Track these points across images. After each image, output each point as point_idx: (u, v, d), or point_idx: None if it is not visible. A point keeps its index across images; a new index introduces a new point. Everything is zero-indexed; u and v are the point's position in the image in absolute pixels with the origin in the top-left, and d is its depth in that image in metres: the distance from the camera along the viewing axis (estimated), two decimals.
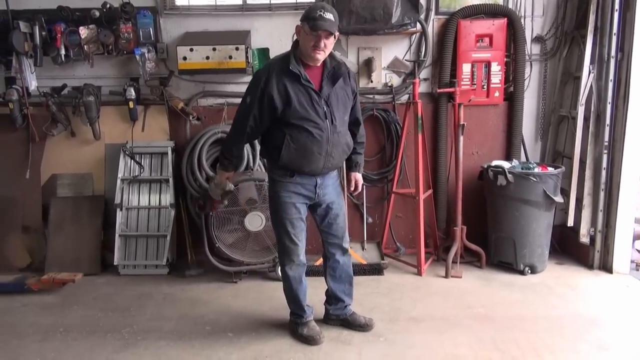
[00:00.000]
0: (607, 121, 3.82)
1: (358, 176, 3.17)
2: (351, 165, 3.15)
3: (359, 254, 4.22)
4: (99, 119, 4.20)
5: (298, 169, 2.79)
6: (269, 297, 3.64)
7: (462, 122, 3.92)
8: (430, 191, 4.27)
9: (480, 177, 4.17)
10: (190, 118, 4.26)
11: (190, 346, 2.96)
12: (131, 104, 4.13)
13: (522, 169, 3.93)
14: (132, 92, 4.11)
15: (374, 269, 4.05)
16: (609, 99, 3.80)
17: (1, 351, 2.94)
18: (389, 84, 4.34)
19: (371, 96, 4.37)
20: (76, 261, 4.10)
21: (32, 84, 4.09)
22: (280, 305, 3.48)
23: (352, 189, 3.18)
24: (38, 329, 3.20)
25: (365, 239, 4.40)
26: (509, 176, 3.82)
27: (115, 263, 4.09)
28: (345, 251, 3.12)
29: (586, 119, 3.99)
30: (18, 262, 4.18)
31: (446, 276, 3.95)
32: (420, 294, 3.67)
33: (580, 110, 3.96)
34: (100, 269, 4.15)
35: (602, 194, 3.92)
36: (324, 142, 2.73)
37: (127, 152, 4.23)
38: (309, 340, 2.96)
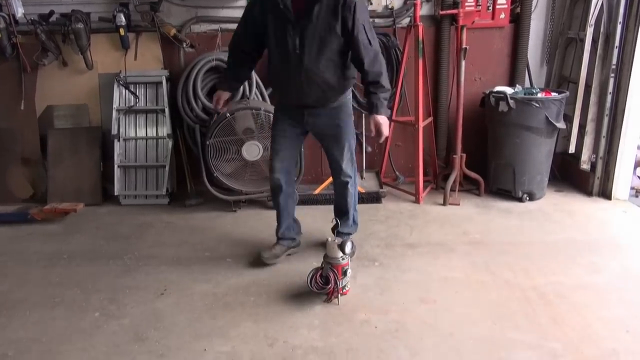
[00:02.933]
0: (616, 42, 3.65)
1: (377, 119, 2.66)
2: (367, 108, 2.80)
3: (358, 182, 4.22)
4: (90, 47, 4.08)
5: (279, 97, 2.85)
6: (267, 225, 3.66)
7: (464, 46, 3.77)
8: (430, 119, 4.19)
9: (482, 104, 4.08)
10: (184, 45, 4.12)
11: (190, 271, 3.03)
12: (122, 31, 3.99)
13: (524, 94, 3.82)
14: (122, 19, 3.96)
15: (372, 198, 4.06)
16: (620, 19, 3.61)
17: (8, 277, 3.03)
18: (390, 7, 4.15)
19: (370, 20, 4.18)
20: (77, 192, 4.14)
21: (19, 11, 3.94)
22: None
23: (372, 133, 2.73)
24: (42, 256, 3.29)
25: (364, 168, 4.38)
26: (511, 102, 3.72)
27: (115, 194, 4.13)
28: (340, 182, 3.09)
29: (594, 41, 3.82)
30: (20, 194, 4.23)
31: (444, 204, 3.96)
32: (417, 221, 3.70)
33: (589, 32, 3.79)
34: (101, 200, 4.19)
35: (605, 120, 3.82)
36: (293, 77, 2.66)
37: (121, 82, 4.14)
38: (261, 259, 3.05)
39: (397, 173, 4.41)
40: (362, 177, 4.36)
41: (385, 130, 2.69)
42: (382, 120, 2.67)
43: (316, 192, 4.13)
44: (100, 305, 2.69)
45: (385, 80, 2.65)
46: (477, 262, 3.04)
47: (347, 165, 2.98)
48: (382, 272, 2.96)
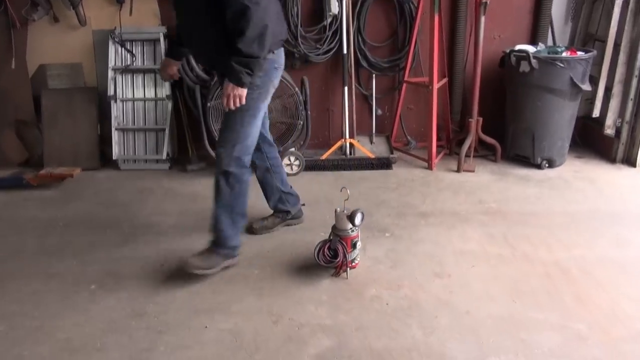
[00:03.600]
0: None
1: (227, 88, 2.20)
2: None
3: (367, 147, 4.02)
4: (82, 1, 3.82)
5: None
6: None
7: (484, 0, 3.48)
8: (445, 80, 3.94)
9: (501, 64, 3.81)
10: None
11: (190, 241, 2.88)
12: None
13: (548, 53, 3.55)
14: None
15: (383, 164, 3.87)
16: None
17: (1, 246, 2.90)
18: None
19: None
20: (74, 156, 3.97)
21: None
22: None
23: (224, 103, 2.27)
24: (38, 224, 3.14)
25: (373, 132, 4.16)
26: (533, 62, 3.45)
27: (114, 158, 3.96)
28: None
29: None
30: (16, 157, 4.07)
31: (458, 170, 3.77)
32: (430, 188, 3.52)
33: None
34: (99, 164, 4.02)
35: (634, 81, 3.56)
36: (188, 34, 2.42)
37: (116, 39, 3.89)
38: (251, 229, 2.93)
39: (408, 138, 4.20)
40: (371, 142, 4.15)
41: (232, 103, 2.23)
42: (231, 90, 2.19)
43: (323, 157, 3.93)
44: (96, 277, 2.55)
45: (245, 44, 2.09)
46: (494, 233, 2.87)
47: (227, 150, 2.41)
48: (394, 243, 2.80)
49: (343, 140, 3.92)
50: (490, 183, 3.58)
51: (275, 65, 2.43)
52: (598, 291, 2.32)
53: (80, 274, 2.59)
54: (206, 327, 2.18)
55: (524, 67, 3.51)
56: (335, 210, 2.50)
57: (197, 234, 2.96)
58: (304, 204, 3.07)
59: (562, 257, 2.60)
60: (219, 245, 2.54)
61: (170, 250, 2.79)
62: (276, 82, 2.50)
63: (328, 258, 2.45)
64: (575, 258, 2.59)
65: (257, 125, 2.49)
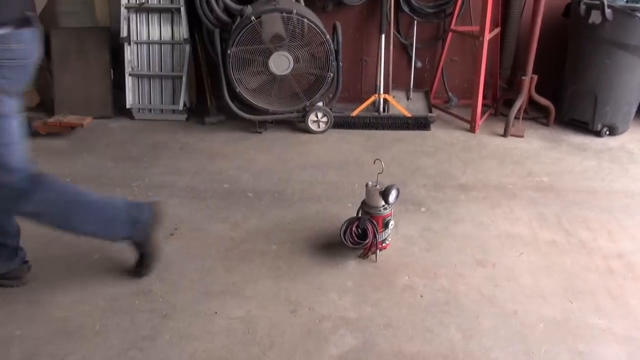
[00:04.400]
0: None
1: None
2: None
3: (403, 104, 3.62)
4: None
5: None
6: (296, 153, 3.20)
7: None
8: (497, 30, 3.45)
9: (566, 14, 3.30)
10: None
11: (205, 206, 2.63)
12: None
13: (626, 2, 3.02)
14: None
15: (419, 123, 3.48)
16: None
17: None
18: None
19: None
20: (86, 102, 3.70)
21: None
22: (308, 162, 3.07)
23: None
24: None
25: (411, 87, 3.74)
26: (607, 12, 2.94)
27: (127, 106, 3.67)
28: None
29: None
30: (26, 101, 3.81)
31: (505, 135, 3.36)
32: (472, 155, 3.14)
33: None
34: (112, 112, 3.75)
35: None
36: None
37: None
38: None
39: (450, 94, 3.77)
40: (408, 98, 3.74)
41: None
42: None
43: (354, 114, 3.56)
44: (100, 245, 2.32)
45: None
46: (545, 214, 2.51)
47: None
48: (430, 220, 2.48)
49: (377, 95, 3.53)
50: (541, 151, 3.18)
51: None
52: None
53: (82, 241, 2.36)
54: (216, 313, 1.94)
55: (595, 17, 3.00)
56: (367, 185, 2.18)
57: (211, 198, 2.70)
58: (27, 261, 2.13)
59: (626, 249, 2.24)
60: None
61: (182, 216, 2.54)
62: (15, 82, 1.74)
63: (356, 239, 2.15)
64: None
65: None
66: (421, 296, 2.00)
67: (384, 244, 2.24)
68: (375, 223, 2.15)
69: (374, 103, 3.58)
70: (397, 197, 2.18)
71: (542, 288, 2.03)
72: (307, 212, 2.58)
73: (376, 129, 3.49)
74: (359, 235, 2.16)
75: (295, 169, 3.00)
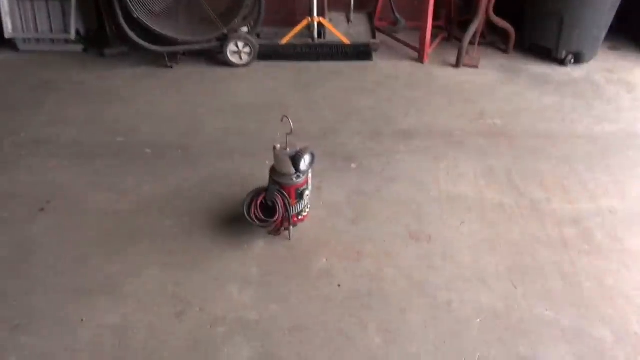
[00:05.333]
0: None
1: None
2: None
3: (342, 29, 3.07)
4: None
5: None
6: (211, 93, 2.69)
7: None
8: None
9: None
10: None
11: (91, 169, 2.15)
12: None
13: None
14: None
15: (360, 52, 2.97)
16: None
17: None
18: None
19: None
20: None
21: None
22: (224, 105, 2.58)
23: None
24: None
25: (352, 7, 3.17)
26: None
27: (7, 36, 3.01)
28: None
29: None
30: None
31: (457, 65, 2.90)
32: (418, 92, 2.70)
33: None
34: None
35: None
36: None
37: None
38: None
39: (396, 15, 3.22)
40: (348, 21, 3.19)
41: None
42: None
43: (283, 41, 3.01)
44: None
45: None
46: (494, 167, 2.15)
47: None
48: (360, 180, 2.09)
49: (310, 18, 2.96)
50: (497, 85, 2.75)
51: None
52: (633, 273, 1.69)
53: None
54: (82, 320, 1.55)
55: None
56: (274, 148, 1.73)
57: (100, 157, 2.21)
58: None
59: (583, 212, 1.92)
60: None
61: (60, 183, 2.07)
62: None
63: (262, 215, 1.75)
64: (603, 213, 1.91)
65: None
66: (339, 285, 1.65)
67: (299, 217, 1.84)
68: (286, 195, 1.74)
69: (308, 27, 3.02)
70: (311, 162, 1.75)
71: (483, 268, 1.70)
72: (215, 172, 2.13)
73: (310, 60, 2.97)
74: (266, 210, 1.76)
75: (207, 115, 2.50)
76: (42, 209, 1.95)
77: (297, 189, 1.76)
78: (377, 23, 3.21)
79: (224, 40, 2.83)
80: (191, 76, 2.84)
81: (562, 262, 1.71)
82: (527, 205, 1.95)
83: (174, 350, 1.46)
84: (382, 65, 2.94)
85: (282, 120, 1.71)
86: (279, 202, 1.73)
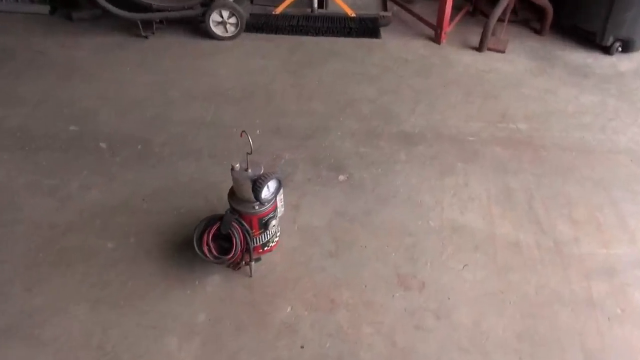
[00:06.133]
0: None
1: None
2: None
3: None
4: None
5: None
6: (188, 72, 2.31)
7: None
8: None
9: None
10: None
11: (32, 164, 1.83)
12: None
13: None
14: None
15: (366, 28, 2.53)
16: None
17: None
18: None
19: None
20: None
21: None
22: (200, 88, 2.21)
23: None
24: None
25: None
26: None
27: None
28: None
29: None
30: None
31: (480, 48, 2.45)
32: (429, 81, 2.28)
33: None
34: None
35: None
36: None
37: None
38: None
39: None
40: None
41: None
42: None
43: (277, 11, 2.58)
44: None
45: None
46: (513, 190, 1.76)
47: None
48: (348, 198, 1.72)
49: None
50: (526, 77, 2.31)
51: None
52: None
53: None
54: None
55: None
56: (232, 168, 1.38)
57: (46, 150, 1.88)
58: None
59: (622, 260, 1.54)
60: None
61: None
62: None
63: (214, 250, 1.41)
64: None
65: None
66: (302, 347, 1.33)
67: (265, 248, 1.51)
68: (244, 226, 1.40)
69: None
70: (277, 190, 1.40)
71: (485, 334, 1.35)
72: (176, 177, 1.79)
73: (307, 34, 2.54)
74: (224, 240, 1.42)
75: (178, 101, 2.14)
76: None
77: (261, 219, 1.42)
78: None
79: (207, 7, 2.42)
80: (167, 50, 2.45)
81: (586, 332, 1.36)
82: (550, 247, 1.57)
83: None
84: (390, 45, 2.50)
85: (241, 135, 1.34)
86: (236, 234, 1.39)
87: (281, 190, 1.53)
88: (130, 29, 2.53)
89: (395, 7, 2.73)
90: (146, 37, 2.50)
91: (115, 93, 2.18)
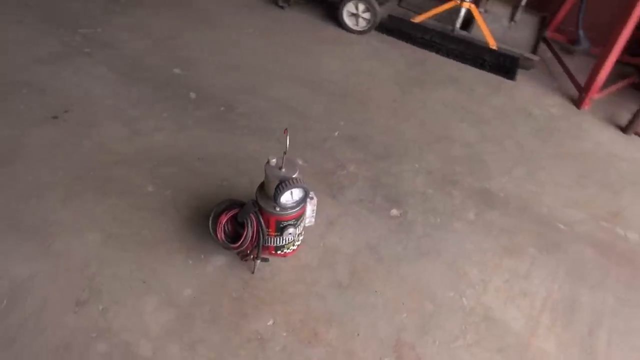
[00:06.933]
0: None
1: None
2: None
3: (496, 28, 2.37)
4: None
5: None
6: (302, 54, 2.28)
7: None
8: None
9: None
10: None
11: (126, 91, 1.94)
12: None
13: None
14: None
15: (502, 65, 2.27)
16: None
17: None
18: None
19: None
20: None
21: None
22: (305, 73, 2.16)
23: None
24: None
25: (523, 3, 2.41)
26: None
27: None
28: None
29: None
30: None
31: (626, 130, 2.08)
32: (545, 146, 1.98)
33: None
34: None
35: None
36: None
37: None
38: None
39: (581, 32, 2.39)
40: (512, 19, 2.45)
41: None
42: None
43: (416, 19, 2.43)
44: None
45: None
46: (580, 307, 1.46)
47: None
48: (388, 237, 1.57)
49: (457, 1, 2.32)
50: None
51: None
52: None
53: None
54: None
55: None
56: (267, 161, 1.31)
57: (143, 83, 1.98)
58: None
59: None
60: None
61: (89, 96, 1.89)
62: None
63: (224, 236, 1.37)
64: None
65: None
66: None
67: (279, 252, 1.43)
68: (261, 221, 1.33)
69: (453, 11, 2.38)
70: (301, 201, 1.30)
71: None
72: (237, 149, 1.78)
73: (437, 52, 2.36)
74: (233, 231, 1.37)
75: (276, 77, 2.12)
76: (55, 117, 1.80)
77: (278, 222, 1.33)
78: (549, 34, 2.43)
79: None
80: (294, 25, 2.44)
81: None
82: None
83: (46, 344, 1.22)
84: (521, 92, 2.22)
85: (284, 132, 1.25)
86: (250, 226, 1.33)
87: (314, 203, 1.44)
88: None
89: (549, 53, 2.41)
90: (282, 7, 2.51)
91: (228, 50, 2.23)
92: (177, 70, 2.08)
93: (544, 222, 1.68)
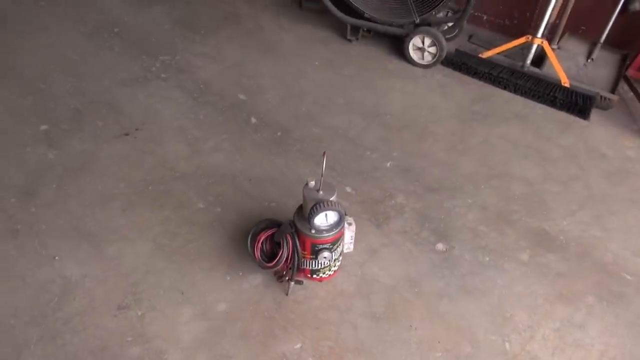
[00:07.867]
0: None
1: None
2: None
3: (570, 65, 2.25)
4: None
5: None
6: (364, 85, 2.30)
7: None
8: None
9: None
10: None
11: (192, 113, 2.06)
12: None
13: None
14: None
15: (575, 104, 2.14)
16: None
17: None
18: None
19: None
20: None
21: None
22: (365, 105, 2.18)
23: None
24: None
25: (602, 39, 2.27)
26: None
27: None
28: None
29: None
30: None
31: None
32: (617, 189, 1.82)
33: None
34: None
35: None
36: None
37: None
38: None
39: None
40: (589, 57, 2.32)
41: None
42: None
43: (485, 54, 2.38)
44: None
45: None
46: None
47: None
48: (431, 270, 1.51)
49: (529, 37, 2.24)
50: None
51: None
52: None
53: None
54: (55, 258, 1.49)
55: None
56: (306, 183, 1.32)
57: (210, 106, 2.10)
58: None
59: None
60: None
61: (158, 116, 2.04)
62: None
63: (260, 253, 1.39)
64: None
65: None
66: None
67: (315, 276, 1.42)
68: (297, 243, 1.34)
69: (525, 47, 2.30)
70: (336, 225, 1.29)
71: None
72: (288, 172, 1.82)
73: (504, 88, 2.28)
74: (270, 250, 1.39)
75: (335, 106, 2.15)
76: (126, 134, 1.95)
77: (314, 245, 1.33)
78: (631, 72, 2.28)
79: (411, 30, 2.36)
80: (359, 58, 2.47)
81: None
82: None
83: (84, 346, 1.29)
84: (594, 132, 2.08)
85: (323, 154, 1.27)
86: (285, 247, 1.34)
87: (352, 229, 1.42)
88: (341, 29, 2.63)
89: (630, 94, 2.25)
90: (350, 40, 2.57)
91: (292, 80, 2.30)
92: (242, 96, 2.18)
93: (607, 270, 1.53)
